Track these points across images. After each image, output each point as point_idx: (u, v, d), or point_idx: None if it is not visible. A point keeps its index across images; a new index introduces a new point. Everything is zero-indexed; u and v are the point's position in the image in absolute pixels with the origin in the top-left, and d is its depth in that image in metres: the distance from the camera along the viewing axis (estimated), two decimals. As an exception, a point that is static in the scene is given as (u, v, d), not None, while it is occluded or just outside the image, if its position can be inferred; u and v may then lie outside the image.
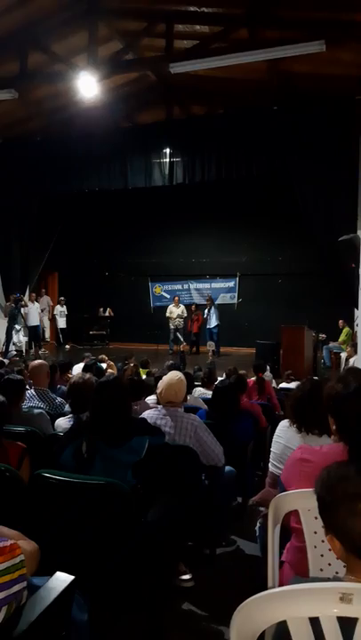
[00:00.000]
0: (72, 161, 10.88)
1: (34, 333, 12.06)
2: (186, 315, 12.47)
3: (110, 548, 1.95)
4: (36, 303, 12.18)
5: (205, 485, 2.82)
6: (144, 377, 5.96)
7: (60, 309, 13.34)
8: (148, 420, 2.69)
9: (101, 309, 14.07)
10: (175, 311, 12.41)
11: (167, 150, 10.64)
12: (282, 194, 11.31)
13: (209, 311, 11.89)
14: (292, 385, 6.66)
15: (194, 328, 12.43)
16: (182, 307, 12.59)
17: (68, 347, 12.94)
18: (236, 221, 12.73)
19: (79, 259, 14.00)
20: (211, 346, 11.37)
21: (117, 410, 2.20)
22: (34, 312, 12.05)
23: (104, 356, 7.63)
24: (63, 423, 2.96)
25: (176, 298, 12.85)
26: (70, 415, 2.98)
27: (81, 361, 7.12)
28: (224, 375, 5.69)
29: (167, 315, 12.46)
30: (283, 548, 1.76)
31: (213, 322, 11.68)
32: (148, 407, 3.24)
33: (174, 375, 2.90)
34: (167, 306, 12.88)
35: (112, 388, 2.27)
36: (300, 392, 2.22)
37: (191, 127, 10.47)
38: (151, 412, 2.87)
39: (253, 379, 5.47)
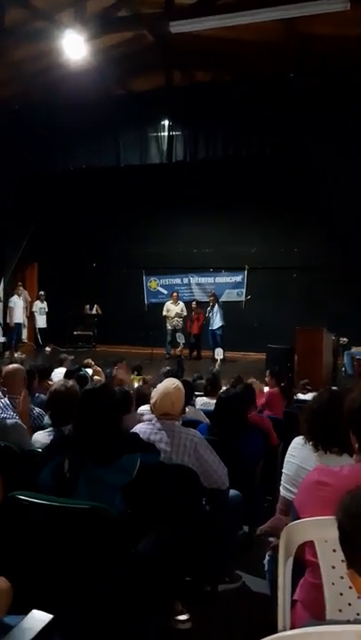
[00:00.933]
0: (55, 133, 10.87)
1: (15, 333, 12.07)
2: (185, 313, 12.47)
3: (95, 582, 1.94)
4: (21, 298, 12.20)
5: (206, 512, 2.82)
6: (136, 385, 5.97)
7: (40, 306, 13.34)
8: (141, 436, 2.69)
9: (88, 306, 14.06)
10: (173, 309, 12.42)
11: (166, 122, 10.64)
12: (299, 174, 11.32)
13: (212, 310, 11.90)
14: (308, 396, 6.65)
15: (194, 329, 12.42)
16: (182, 304, 12.60)
17: (48, 349, 12.93)
18: (245, 206, 12.73)
19: (62, 247, 13.99)
20: (219, 354, 11.29)
21: (105, 423, 2.20)
22: (19, 308, 12.06)
23: (89, 361, 7.61)
24: (42, 438, 2.97)
25: (175, 294, 12.85)
26: (50, 428, 2.98)
27: (58, 364, 7.11)
28: (228, 385, 5.69)
29: (164, 313, 12.47)
30: (295, 585, 1.76)
31: (217, 322, 11.68)
32: (137, 421, 3.25)
33: (170, 383, 2.91)
34: (164, 303, 12.88)
35: (99, 397, 2.26)
36: (317, 404, 2.22)
37: (194, 96, 10.48)
38: (144, 425, 2.87)
39: (273, 390, 5.47)
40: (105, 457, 2.14)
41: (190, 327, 12.46)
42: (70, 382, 3.10)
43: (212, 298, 12.13)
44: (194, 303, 12.84)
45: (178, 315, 12.35)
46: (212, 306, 11.94)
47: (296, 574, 1.73)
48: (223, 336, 11.72)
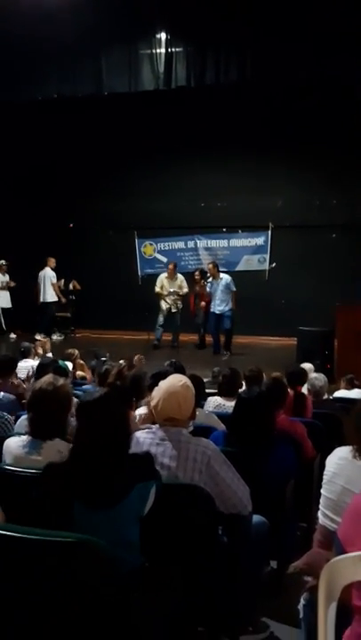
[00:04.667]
0: (14, 53, 10.79)
1: None
2: (187, 289, 12.04)
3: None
4: None
5: (224, 544, 2.84)
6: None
7: (1, 279, 13.30)
8: (139, 447, 2.72)
9: (62, 281, 14.04)
10: (168, 285, 12.05)
11: (162, 36, 10.53)
12: (339, 102, 11.18)
13: (212, 285, 11.41)
14: (354, 393, 6.68)
15: (201, 307, 12.18)
16: (180, 278, 12.16)
17: (13, 336, 12.97)
18: (268, 146, 12.64)
19: (27, 203, 13.94)
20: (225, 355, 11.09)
21: (112, 452, 2.22)
22: None
23: (74, 351, 7.64)
24: (15, 447, 2.97)
25: (171, 265, 12.30)
26: (27, 437, 2.99)
27: (22, 355, 7.12)
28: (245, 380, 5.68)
29: (157, 289, 12.04)
30: (339, 637, 1.78)
31: (218, 304, 11.21)
32: (135, 426, 3.28)
33: (177, 380, 2.91)
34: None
35: (106, 413, 2.29)
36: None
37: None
38: (142, 434, 2.89)
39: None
40: (110, 498, 2.18)
41: (196, 305, 12.06)
42: (61, 380, 3.11)
43: (213, 270, 11.55)
44: (197, 273, 12.32)
45: (175, 292, 11.97)
46: (213, 279, 11.48)
47: (340, 622, 1.75)
48: (234, 318, 11.23)
